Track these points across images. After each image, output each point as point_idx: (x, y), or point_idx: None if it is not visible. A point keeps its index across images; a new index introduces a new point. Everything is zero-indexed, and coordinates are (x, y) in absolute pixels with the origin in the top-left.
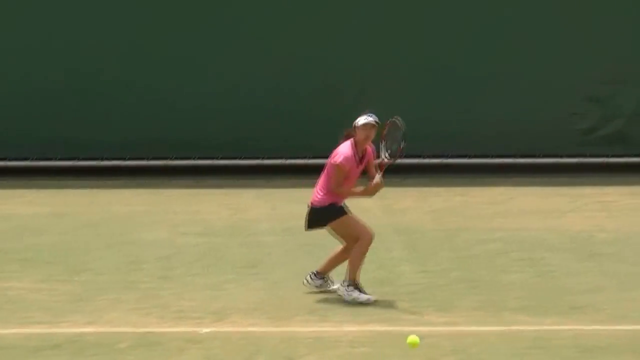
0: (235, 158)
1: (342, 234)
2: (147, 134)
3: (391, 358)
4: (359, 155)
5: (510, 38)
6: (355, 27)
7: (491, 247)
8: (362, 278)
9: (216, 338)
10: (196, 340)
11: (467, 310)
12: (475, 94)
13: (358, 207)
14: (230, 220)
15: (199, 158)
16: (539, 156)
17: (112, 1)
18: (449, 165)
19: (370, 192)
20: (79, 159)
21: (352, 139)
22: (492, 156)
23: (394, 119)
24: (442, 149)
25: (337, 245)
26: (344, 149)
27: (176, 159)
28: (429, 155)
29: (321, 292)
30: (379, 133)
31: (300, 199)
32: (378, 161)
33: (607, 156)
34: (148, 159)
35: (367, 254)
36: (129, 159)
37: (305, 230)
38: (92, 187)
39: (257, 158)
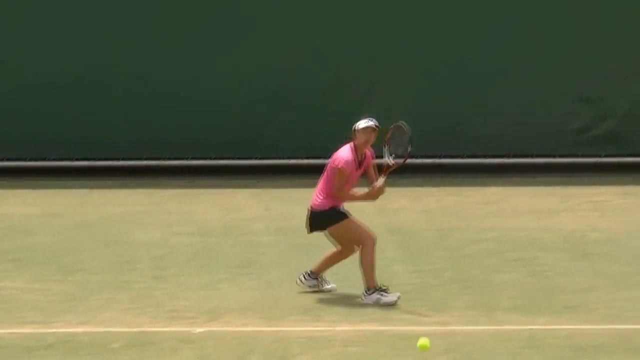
0: (229, 158)
1: (342, 238)
2: (141, 134)
3: (384, 357)
4: (359, 159)
5: (502, 39)
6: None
7: (484, 247)
8: (357, 278)
9: (209, 338)
10: (189, 340)
11: (461, 309)
12: (469, 94)
13: (351, 207)
14: (224, 220)
15: (193, 158)
16: (532, 156)
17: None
18: (442, 165)
19: (373, 196)
20: (72, 159)
21: (351, 143)
22: (486, 156)
23: (398, 123)
24: (435, 150)
25: (332, 246)
26: (344, 153)
27: (170, 159)
28: (421, 156)
29: (314, 292)
30: (381, 137)
31: (295, 199)
32: (390, 162)
33: (600, 156)
34: (142, 159)
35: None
36: (123, 159)
37: (308, 233)
38: (85, 187)
39: (252, 158)
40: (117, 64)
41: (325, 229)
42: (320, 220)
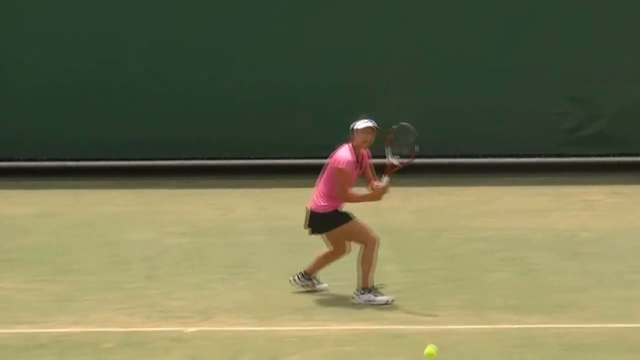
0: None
1: (340, 239)
2: (134, 134)
3: (376, 357)
4: (357, 159)
5: (492, 40)
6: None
7: (476, 246)
8: (349, 278)
9: (202, 337)
10: (182, 340)
11: (452, 309)
12: (458, 95)
13: (348, 207)
14: (217, 220)
15: (185, 158)
16: (523, 156)
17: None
18: (433, 165)
19: (377, 196)
20: (65, 159)
21: (350, 143)
22: (477, 156)
23: (403, 124)
24: (427, 150)
25: (324, 246)
26: (344, 153)
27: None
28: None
29: (307, 291)
30: (382, 138)
31: (288, 199)
32: (395, 162)
33: (591, 156)
34: (135, 159)
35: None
36: (116, 159)
37: (310, 234)
38: (78, 187)
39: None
40: (115, 65)
41: (328, 231)
42: (323, 223)
